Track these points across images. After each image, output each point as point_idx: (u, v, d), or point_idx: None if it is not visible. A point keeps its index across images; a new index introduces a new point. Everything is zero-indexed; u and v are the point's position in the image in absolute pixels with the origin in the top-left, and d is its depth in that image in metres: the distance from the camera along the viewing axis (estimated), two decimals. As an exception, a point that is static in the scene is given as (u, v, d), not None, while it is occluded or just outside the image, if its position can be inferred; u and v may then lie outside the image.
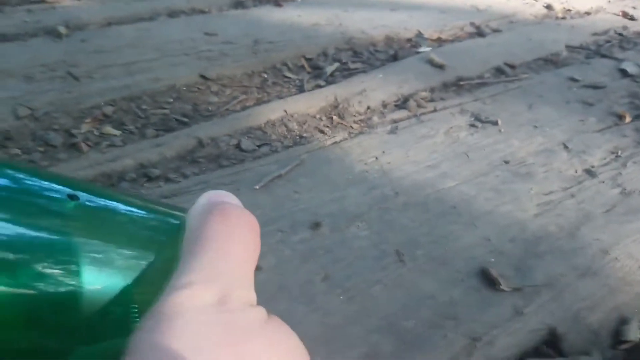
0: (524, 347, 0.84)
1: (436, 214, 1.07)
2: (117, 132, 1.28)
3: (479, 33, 1.97)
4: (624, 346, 0.88)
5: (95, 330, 0.22)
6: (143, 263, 0.23)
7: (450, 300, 0.88)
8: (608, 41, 2.01)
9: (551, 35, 1.97)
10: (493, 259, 0.97)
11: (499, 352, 0.82)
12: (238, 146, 1.25)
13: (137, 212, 0.26)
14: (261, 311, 0.21)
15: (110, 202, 0.25)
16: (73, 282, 0.21)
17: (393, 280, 0.91)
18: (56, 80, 1.42)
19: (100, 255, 0.22)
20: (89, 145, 1.22)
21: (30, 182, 0.22)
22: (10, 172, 0.22)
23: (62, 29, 1.67)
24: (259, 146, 1.26)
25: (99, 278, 0.21)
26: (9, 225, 0.20)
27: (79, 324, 0.21)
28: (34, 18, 1.78)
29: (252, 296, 0.22)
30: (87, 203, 0.23)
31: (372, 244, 0.98)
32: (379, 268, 0.93)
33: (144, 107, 1.39)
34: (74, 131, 1.26)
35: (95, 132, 1.27)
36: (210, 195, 0.25)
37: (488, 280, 0.92)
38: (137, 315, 0.22)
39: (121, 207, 0.25)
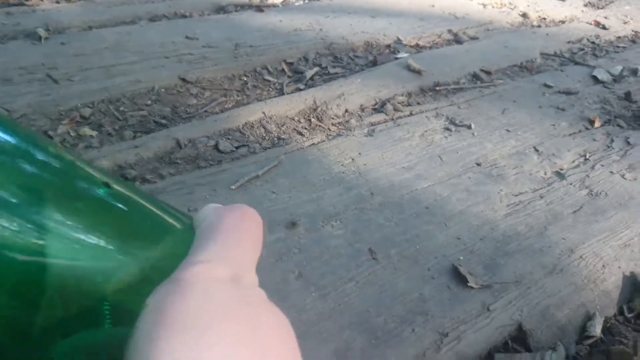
0: (491, 343, 0.86)
1: (410, 214, 1.10)
2: (94, 133, 1.28)
3: (457, 40, 2.01)
4: (589, 341, 0.92)
5: (68, 319, 0.22)
6: (133, 262, 0.24)
7: (421, 297, 0.90)
8: (581, 49, 2.07)
9: (526, 43, 2.03)
10: (463, 257, 0.99)
11: (467, 347, 0.84)
12: (216, 147, 1.26)
13: (154, 209, 0.27)
14: (263, 292, 0.24)
15: (134, 196, 0.26)
16: (76, 265, 0.22)
17: (366, 278, 0.93)
18: (35, 82, 1.42)
19: (100, 247, 0.23)
20: (65, 147, 1.22)
21: (67, 162, 0.24)
22: (52, 151, 0.24)
23: (42, 32, 1.67)
24: (237, 147, 1.27)
25: (87, 267, 0.22)
26: (43, 202, 0.21)
27: (58, 307, 0.22)
28: (13, 20, 1.78)
29: (257, 279, 0.25)
30: (116, 192, 0.25)
31: (347, 243, 1.00)
32: (353, 266, 0.95)
33: (123, 109, 1.39)
34: (51, 133, 1.26)
35: (72, 134, 1.27)
36: (216, 205, 0.29)
37: (458, 277, 0.95)
38: (108, 312, 0.23)
39: (142, 202, 0.27)
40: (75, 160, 0.25)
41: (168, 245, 0.26)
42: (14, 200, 0.20)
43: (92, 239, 0.22)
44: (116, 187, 0.25)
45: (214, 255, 0.23)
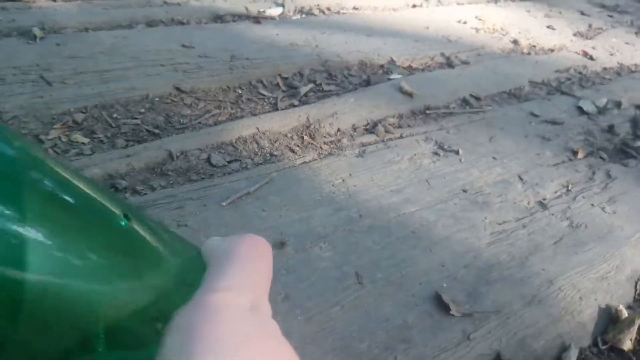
0: (470, 371, 0.89)
1: (397, 238, 1.12)
2: (86, 140, 1.28)
3: (449, 63, 2.06)
4: (563, 372, 0.95)
5: (64, 343, 0.22)
6: (133, 289, 0.24)
7: (404, 323, 0.92)
8: (569, 79, 2.13)
9: (516, 70, 2.08)
10: (446, 284, 1.02)
11: (447, 374, 0.86)
12: (208, 161, 1.27)
13: (159, 237, 0.28)
14: (277, 325, 0.24)
15: (141, 224, 0.27)
16: (73, 288, 0.22)
17: (351, 302, 0.95)
18: (28, 83, 1.41)
19: (101, 271, 0.23)
20: (57, 153, 1.22)
21: (91, 196, 0.25)
22: (75, 183, 0.24)
23: (37, 31, 1.66)
24: (229, 162, 1.28)
25: (86, 292, 0.22)
26: (62, 231, 0.22)
27: (53, 330, 0.22)
28: (8, 17, 1.76)
29: (270, 309, 0.25)
30: (135, 224, 0.26)
31: (334, 265, 1.02)
32: (339, 289, 0.97)
33: (116, 116, 1.39)
34: (43, 137, 1.25)
35: (64, 139, 1.27)
36: (220, 237, 0.29)
37: (441, 305, 0.97)
38: (103, 336, 0.23)
39: (149, 231, 0.27)
40: (91, 186, 0.25)
41: (172, 273, 0.26)
42: (27, 224, 0.20)
43: (94, 263, 0.23)
44: (132, 217, 0.26)
45: (234, 282, 0.24)
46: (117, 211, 0.25)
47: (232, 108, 1.53)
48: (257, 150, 1.35)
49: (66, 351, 0.23)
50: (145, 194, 1.12)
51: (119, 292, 0.24)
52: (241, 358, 0.20)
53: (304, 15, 2.30)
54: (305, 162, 1.32)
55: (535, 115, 1.75)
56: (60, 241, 0.22)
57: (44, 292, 0.21)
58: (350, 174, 1.29)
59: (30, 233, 0.21)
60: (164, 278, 0.26)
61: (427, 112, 1.64)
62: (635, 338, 1.02)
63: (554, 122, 1.73)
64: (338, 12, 2.41)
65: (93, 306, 0.23)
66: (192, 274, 0.26)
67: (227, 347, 0.20)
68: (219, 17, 2.11)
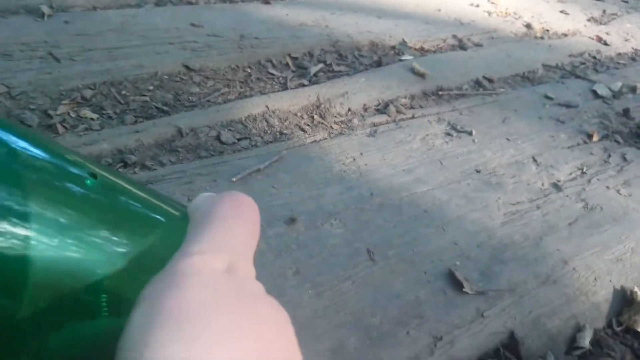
0: (483, 349, 0.87)
1: (409, 216, 1.10)
2: (95, 116, 1.26)
3: (461, 46, 2.02)
4: (578, 352, 0.93)
5: (62, 312, 0.22)
6: (126, 253, 0.23)
7: (417, 299, 0.91)
8: (583, 63, 2.09)
9: (529, 54, 2.04)
10: (459, 263, 1.00)
11: (460, 352, 0.85)
12: (218, 138, 1.25)
13: (146, 197, 0.26)
14: (261, 285, 0.23)
15: (125, 185, 0.25)
16: (60, 259, 0.21)
17: (363, 278, 0.93)
18: (36, 60, 1.40)
19: (92, 239, 0.22)
20: (65, 127, 1.21)
21: (52, 154, 0.23)
22: (34, 141, 0.23)
23: (45, 9, 1.64)
24: (238, 139, 1.26)
25: (81, 260, 0.22)
26: (27, 195, 0.20)
27: (48, 300, 0.21)
28: (15, -5, 1.74)
29: (254, 271, 0.24)
30: (105, 182, 0.24)
31: (345, 242, 1.00)
32: (350, 265, 0.95)
33: (125, 92, 1.38)
34: (51, 112, 1.24)
35: (73, 115, 1.26)
36: (210, 193, 0.28)
37: (454, 282, 0.95)
38: (105, 303, 0.23)
39: (134, 191, 0.26)
40: (58, 149, 0.24)
41: (162, 234, 0.25)
42: None
43: (82, 231, 0.22)
44: (106, 176, 0.24)
45: (208, 245, 0.22)
46: (84, 171, 0.24)
47: (241, 87, 1.51)
48: (266, 128, 1.33)
49: (70, 319, 0.22)
50: (154, 169, 1.11)
51: (113, 258, 0.23)
52: (211, 326, 0.18)
53: (313, -3, 2.26)
54: (315, 141, 1.30)
55: (549, 98, 1.71)
56: (47, 214, 0.21)
57: (42, 267, 0.20)
58: (361, 153, 1.27)
59: (19, 210, 0.20)
60: (151, 240, 0.25)
61: (440, 93, 1.61)
62: (652, 319, 1.00)
63: (568, 105, 1.70)
64: (348, -6, 2.37)
65: (91, 275, 0.22)
66: (179, 234, 0.24)
67: (194, 317, 0.18)
68: (227, -2, 2.08)
